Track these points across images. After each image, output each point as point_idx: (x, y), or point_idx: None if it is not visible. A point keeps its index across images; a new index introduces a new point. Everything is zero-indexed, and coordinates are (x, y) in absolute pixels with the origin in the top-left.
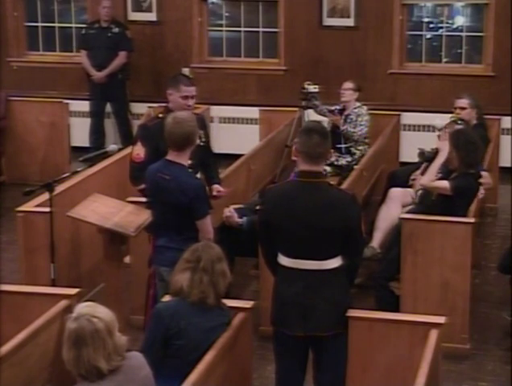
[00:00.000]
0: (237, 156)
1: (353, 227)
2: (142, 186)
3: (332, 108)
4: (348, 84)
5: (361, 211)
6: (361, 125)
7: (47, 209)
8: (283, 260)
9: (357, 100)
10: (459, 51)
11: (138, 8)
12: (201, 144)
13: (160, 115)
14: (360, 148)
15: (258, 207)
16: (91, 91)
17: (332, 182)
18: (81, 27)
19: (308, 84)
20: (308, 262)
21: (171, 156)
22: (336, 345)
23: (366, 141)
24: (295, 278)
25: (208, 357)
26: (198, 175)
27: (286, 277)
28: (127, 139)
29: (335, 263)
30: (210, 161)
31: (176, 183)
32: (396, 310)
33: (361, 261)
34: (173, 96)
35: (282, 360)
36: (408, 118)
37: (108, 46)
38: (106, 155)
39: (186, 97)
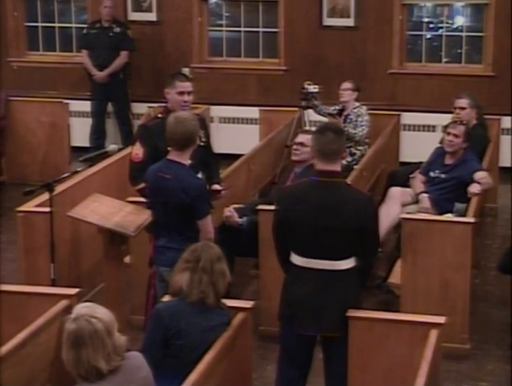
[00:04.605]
0: (237, 156)
1: (369, 228)
2: (141, 186)
3: (332, 108)
4: (347, 84)
5: (378, 212)
6: (361, 125)
7: (47, 209)
8: (296, 260)
9: (357, 100)
10: (459, 51)
11: (138, 8)
12: (201, 144)
13: (160, 115)
14: (360, 148)
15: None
16: (92, 91)
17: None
18: (81, 27)
19: (308, 84)
20: (321, 262)
21: (173, 155)
22: (342, 346)
23: (366, 141)
24: (308, 277)
25: (208, 357)
26: (199, 175)
27: (299, 276)
28: (128, 139)
29: (348, 264)
30: (211, 161)
31: (178, 183)
32: None
33: (374, 262)
34: (170, 94)
35: (288, 359)
36: (408, 118)
37: (109, 45)
38: (106, 155)
39: (182, 93)
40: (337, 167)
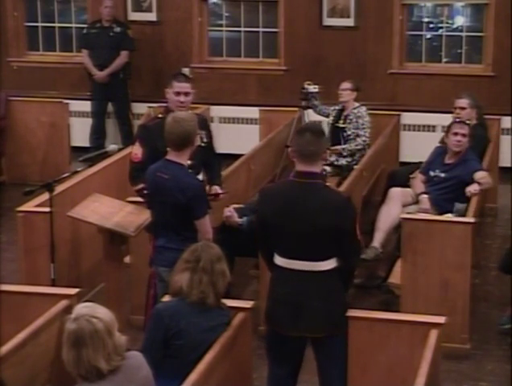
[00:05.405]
0: (237, 156)
1: (347, 229)
2: (139, 186)
3: (331, 108)
4: (346, 85)
5: (356, 213)
6: (363, 129)
7: (47, 209)
8: (278, 260)
9: (357, 100)
10: (459, 51)
11: (138, 8)
12: (202, 144)
13: (160, 115)
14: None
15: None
16: (93, 91)
17: (330, 183)
18: (81, 27)
19: (308, 84)
20: (302, 263)
21: (171, 156)
22: (331, 347)
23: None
24: (289, 278)
25: (208, 357)
26: (200, 176)
27: (280, 277)
28: (128, 139)
29: (329, 265)
30: (213, 162)
31: (175, 183)
32: None
33: (357, 264)
34: (168, 94)
35: (273, 358)
36: (408, 118)
37: (110, 45)
38: (106, 155)
39: (178, 93)
40: (316, 168)
